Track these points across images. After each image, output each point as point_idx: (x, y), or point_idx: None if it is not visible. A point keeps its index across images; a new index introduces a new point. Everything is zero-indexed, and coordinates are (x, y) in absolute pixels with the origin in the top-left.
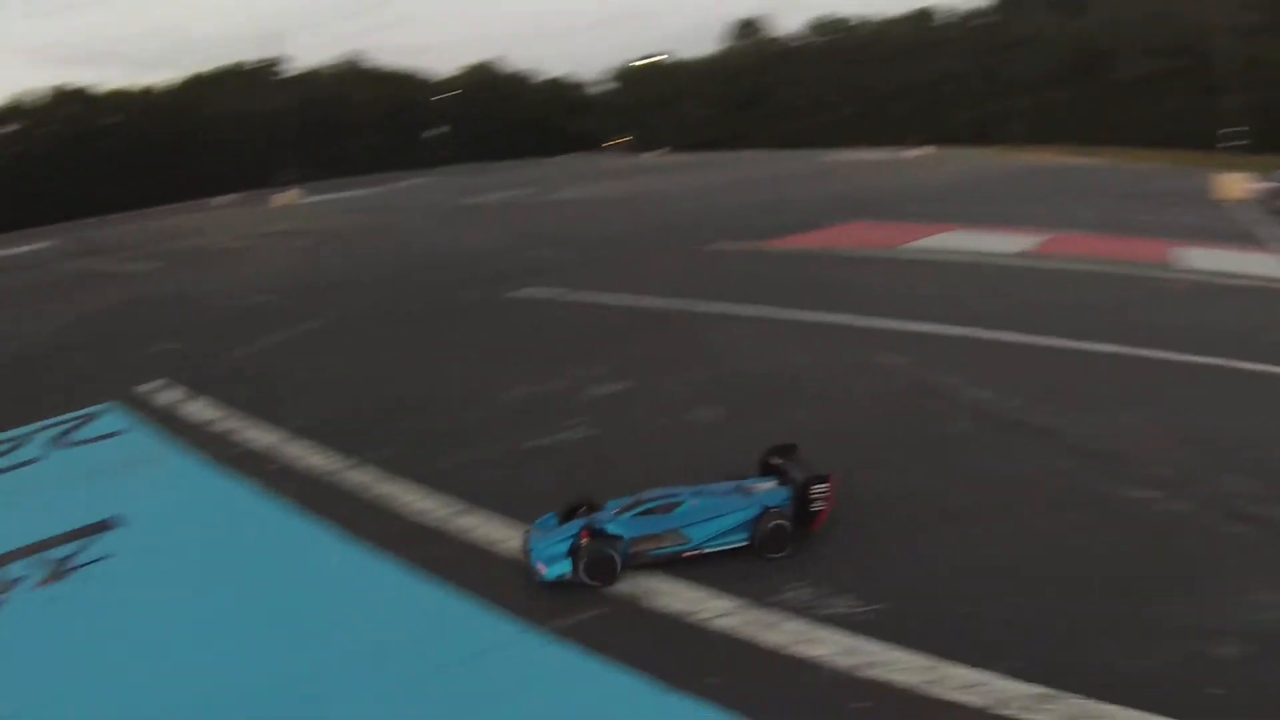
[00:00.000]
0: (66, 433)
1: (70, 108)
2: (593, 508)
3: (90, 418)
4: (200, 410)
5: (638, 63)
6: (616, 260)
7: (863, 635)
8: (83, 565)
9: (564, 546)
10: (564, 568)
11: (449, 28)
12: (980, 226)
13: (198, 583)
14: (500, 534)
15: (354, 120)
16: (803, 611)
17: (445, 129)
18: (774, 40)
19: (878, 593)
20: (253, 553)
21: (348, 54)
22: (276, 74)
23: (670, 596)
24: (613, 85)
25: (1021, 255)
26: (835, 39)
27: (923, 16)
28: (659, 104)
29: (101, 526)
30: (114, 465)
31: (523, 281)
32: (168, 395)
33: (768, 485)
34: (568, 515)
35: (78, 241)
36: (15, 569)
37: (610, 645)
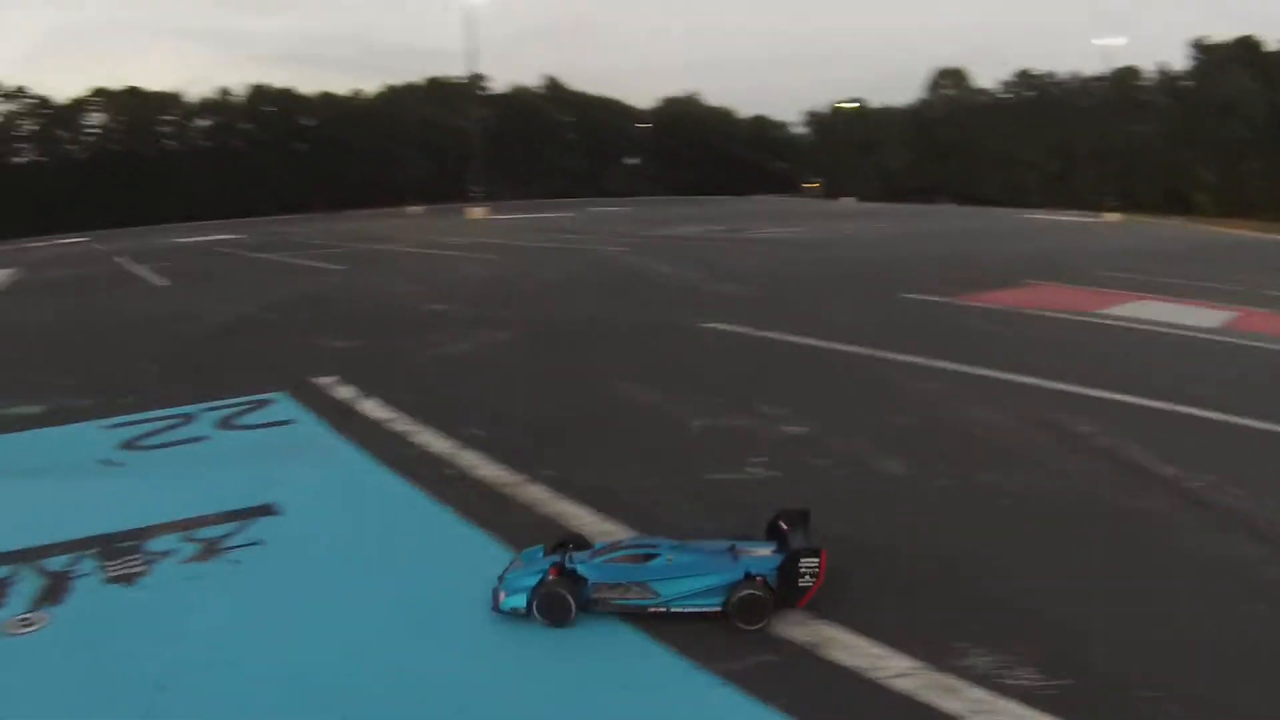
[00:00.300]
0: (235, 415)
1: (268, 106)
2: (580, 545)
3: (261, 404)
4: (373, 409)
5: (837, 105)
6: (806, 301)
7: (1047, 713)
8: (235, 548)
9: (531, 580)
10: (518, 601)
11: (643, 57)
12: (1171, 297)
13: (351, 578)
14: None
15: (550, 142)
16: (984, 680)
17: (637, 160)
18: (972, 92)
19: (1061, 667)
20: (415, 556)
21: (548, 76)
22: (477, 90)
23: (847, 650)
24: (805, 128)
25: (1215, 330)
26: (1035, 95)
27: (1127, 75)
28: (853, 150)
29: (260, 511)
30: (280, 453)
31: (711, 314)
32: (342, 391)
33: (764, 550)
34: (554, 549)
35: (267, 236)
36: (165, 542)
37: (779, 694)
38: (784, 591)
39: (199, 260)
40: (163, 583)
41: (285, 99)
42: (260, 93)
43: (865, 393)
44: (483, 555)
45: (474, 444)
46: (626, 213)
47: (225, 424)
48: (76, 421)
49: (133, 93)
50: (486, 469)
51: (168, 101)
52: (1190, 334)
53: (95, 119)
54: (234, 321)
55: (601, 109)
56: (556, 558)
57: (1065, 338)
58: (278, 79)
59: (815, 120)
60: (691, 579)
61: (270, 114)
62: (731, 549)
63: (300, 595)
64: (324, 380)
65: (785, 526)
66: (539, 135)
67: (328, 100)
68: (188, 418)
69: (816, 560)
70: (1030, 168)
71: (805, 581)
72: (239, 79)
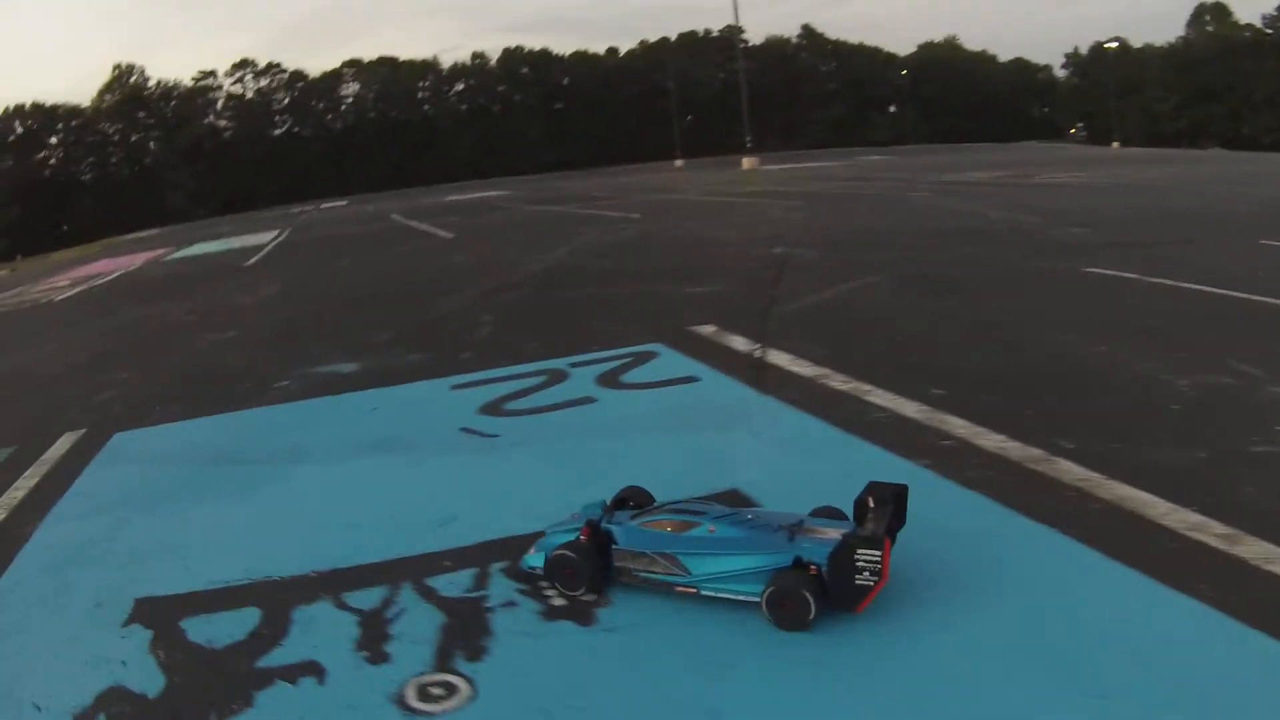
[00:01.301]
0: (617, 371)
1: (523, 68)
2: (640, 502)
3: (641, 357)
4: (789, 364)
5: (1098, 44)
6: (1169, 247)
7: None
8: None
9: (565, 538)
10: (537, 560)
11: (895, 4)
12: None
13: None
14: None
15: (809, 92)
16: None
17: (894, 109)
18: (1237, 28)
19: None
20: (960, 555)
21: (804, 25)
22: (736, 42)
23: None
24: (1065, 71)
25: None
26: None
27: None
28: (1115, 94)
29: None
30: (707, 419)
31: (1076, 258)
32: (733, 341)
33: (834, 532)
34: (613, 505)
35: (536, 191)
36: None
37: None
38: (838, 588)
39: (478, 215)
40: (644, 618)
41: (540, 60)
42: (514, 55)
43: None
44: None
45: (945, 405)
46: (897, 161)
47: (609, 381)
48: (412, 380)
49: (386, 62)
50: (988, 439)
51: (422, 69)
52: None
53: (349, 89)
54: (551, 270)
55: (859, 56)
56: (597, 514)
57: None
58: (530, 44)
59: (1075, 62)
60: (729, 558)
61: (525, 76)
62: (796, 526)
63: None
64: (704, 329)
65: (871, 504)
66: (798, 85)
67: (582, 59)
68: (557, 375)
69: (878, 554)
70: None
71: (864, 580)
72: (491, 46)
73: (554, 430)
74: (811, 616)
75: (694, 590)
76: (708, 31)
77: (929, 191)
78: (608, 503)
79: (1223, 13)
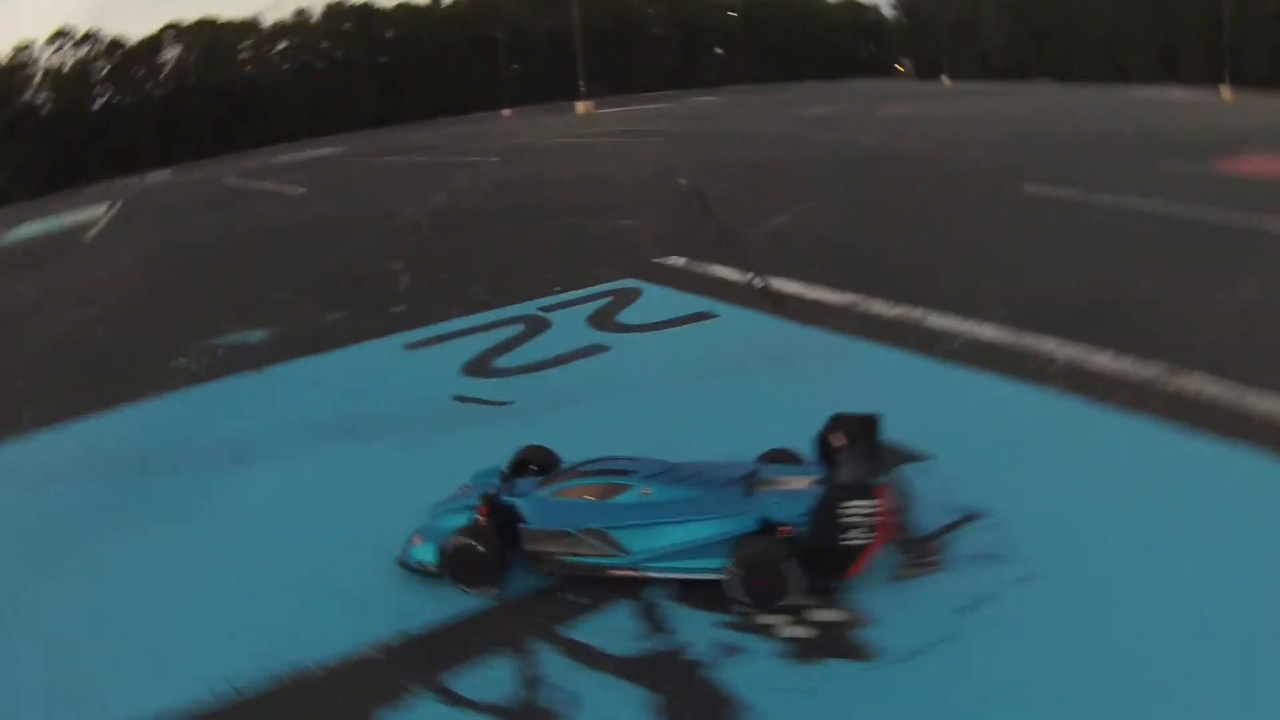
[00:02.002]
0: (606, 312)
1: (350, 23)
2: (545, 465)
3: (624, 295)
4: (804, 291)
5: None
6: (1075, 167)
7: None
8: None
9: (458, 520)
10: (426, 554)
11: None
12: None
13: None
14: None
15: (640, 37)
16: None
17: (723, 51)
18: None
19: None
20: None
21: None
22: None
23: None
24: (900, 10)
25: None
26: None
27: None
28: (945, 30)
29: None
30: (753, 358)
31: (1001, 180)
32: (721, 271)
33: (800, 482)
34: (511, 472)
35: (373, 145)
36: None
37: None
38: (821, 554)
39: (323, 170)
40: None
41: (363, 13)
42: (337, 10)
43: None
44: None
45: (1031, 326)
46: (734, 100)
47: (604, 324)
48: (347, 344)
49: (206, 24)
50: (1097, 359)
51: (243, 29)
52: None
53: (170, 54)
54: (441, 213)
55: (690, 1)
56: (493, 485)
57: None
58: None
59: (905, 1)
60: (674, 527)
61: (348, 30)
62: (750, 478)
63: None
64: (673, 261)
65: (837, 443)
66: (628, 30)
67: (407, 10)
68: (535, 322)
69: (871, 504)
70: (1133, 45)
71: (854, 539)
72: (314, 2)
73: (577, 388)
74: (793, 592)
75: (635, 573)
76: None
77: (788, 125)
78: (504, 469)
79: None
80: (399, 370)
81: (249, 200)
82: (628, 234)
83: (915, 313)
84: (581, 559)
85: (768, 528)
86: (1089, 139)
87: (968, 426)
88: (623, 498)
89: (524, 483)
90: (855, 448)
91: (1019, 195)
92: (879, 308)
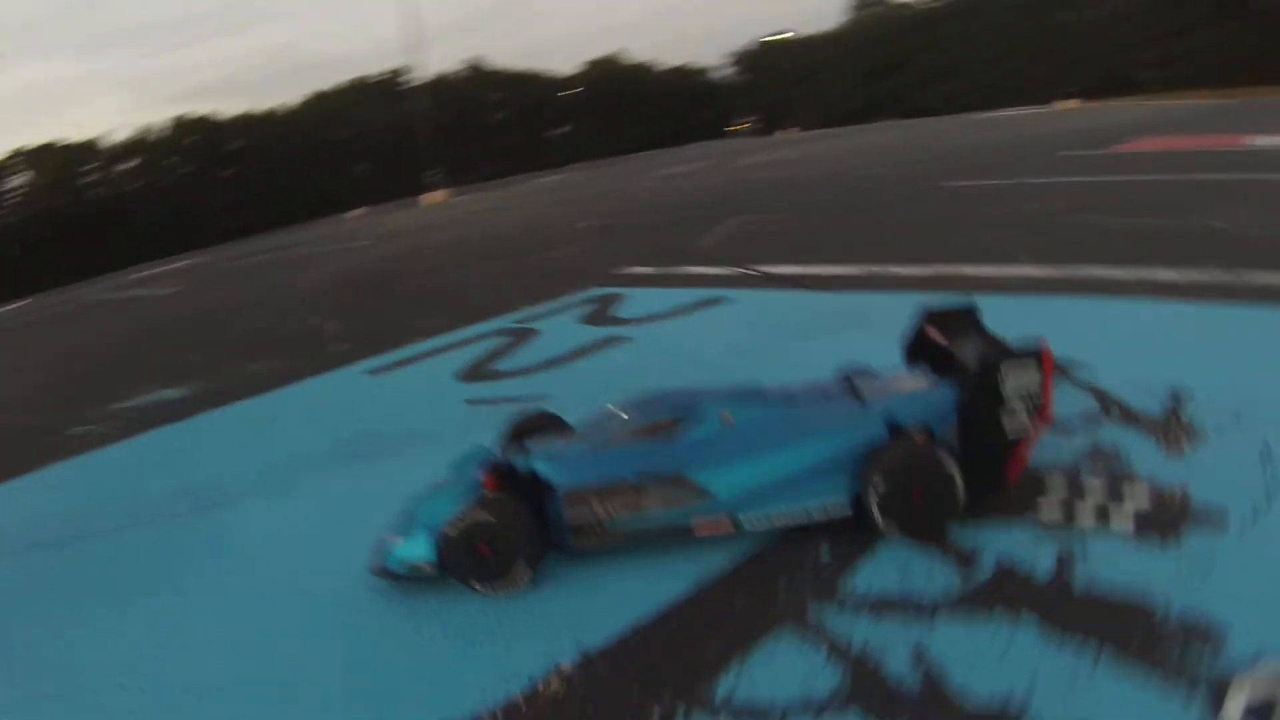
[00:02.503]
0: (597, 313)
1: (193, 137)
2: (561, 429)
3: (606, 300)
4: (789, 270)
5: (764, 40)
6: (973, 170)
7: None
8: None
9: (447, 508)
10: (415, 551)
11: (566, 27)
12: None
13: None
14: None
15: (482, 124)
16: None
17: (567, 128)
18: (896, 7)
19: None
20: None
21: (471, 59)
22: (401, 85)
23: None
24: (735, 68)
25: None
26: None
27: None
28: (786, 83)
29: None
30: (815, 323)
31: (922, 181)
32: (699, 270)
33: (911, 382)
34: (512, 443)
35: (236, 250)
36: None
37: None
38: (974, 455)
39: (192, 274)
40: None
41: (207, 127)
42: (182, 125)
43: None
44: None
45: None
46: (582, 178)
47: (603, 319)
48: (285, 385)
49: (48, 148)
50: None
51: (86, 151)
52: None
53: (19, 180)
54: (341, 281)
55: (528, 83)
56: (490, 458)
57: None
58: (198, 110)
59: (742, 59)
60: (776, 453)
61: (194, 144)
62: (851, 386)
63: None
64: (640, 269)
65: (941, 337)
66: (469, 119)
67: (251, 120)
68: (521, 333)
69: (1035, 371)
70: (970, 72)
71: (1015, 425)
72: (160, 118)
73: (621, 370)
74: (961, 506)
75: (729, 525)
76: (372, 78)
77: (656, 183)
78: (501, 443)
79: None
80: (372, 394)
81: (125, 305)
82: (568, 260)
83: (928, 269)
84: (649, 521)
85: (900, 435)
86: (980, 148)
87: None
88: (696, 432)
89: (542, 445)
90: (963, 341)
91: (939, 188)
92: (894, 269)
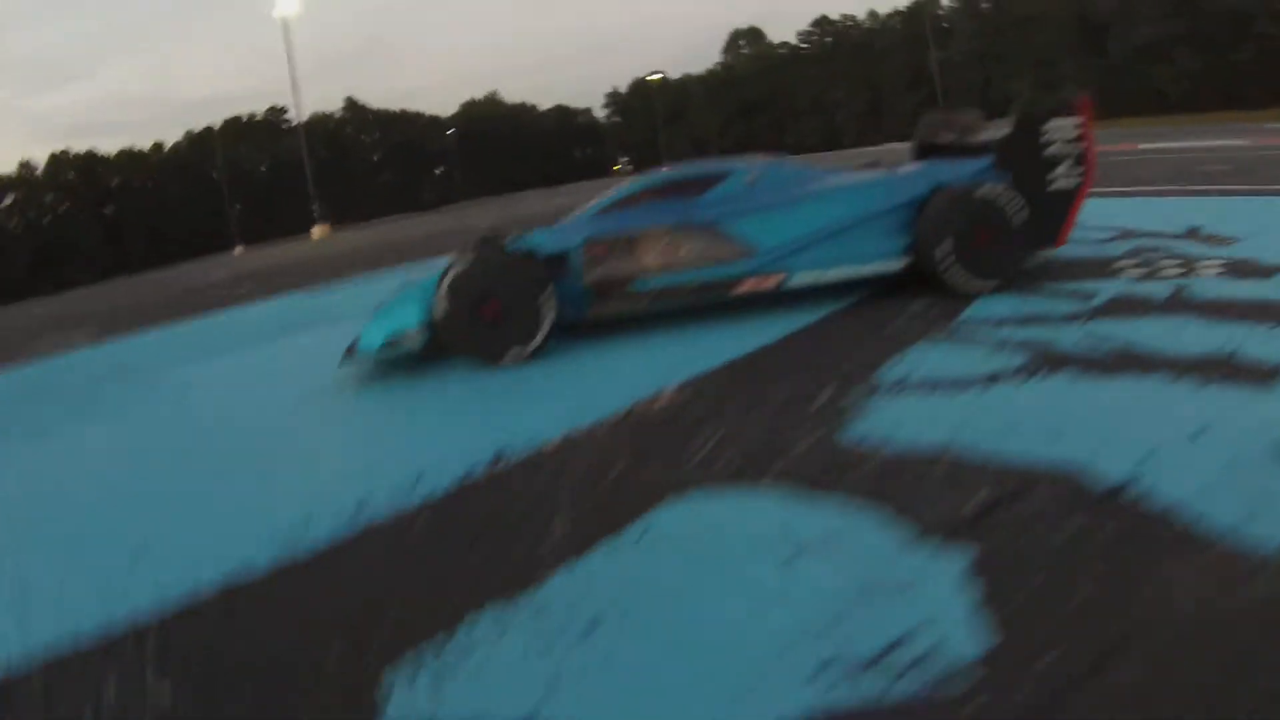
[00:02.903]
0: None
1: (73, 173)
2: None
3: None
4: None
5: (638, 80)
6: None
7: None
8: None
9: (414, 308)
10: (397, 322)
11: (439, 68)
12: None
13: None
14: None
15: (359, 163)
16: None
17: (442, 169)
18: (772, 48)
19: None
20: None
21: (346, 99)
22: (282, 123)
23: None
24: (612, 110)
25: None
26: (832, 41)
27: (928, 3)
28: (663, 123)
29: None
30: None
31: None
32: None
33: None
34: (479, 246)
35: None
36: None
37: None
38: (1029, 204)
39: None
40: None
41: (86, 163)
42: (60, 161)
43: None
44: None
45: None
46: (456, 216)
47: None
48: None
49: None
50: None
51: None
52: None
53: None
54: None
55: (403, 123)
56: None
57: None
58: (77, 148)
59: (616, 101)
60: (820, 204)
61: (73, 181)
62: (872, 166)
63: None
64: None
65: (946, 139)
66: (346, 158)
67: (130, 158)
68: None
69: (1076, 122)
70: (839, 110)
71: (1062, 177)
72: (39, 155)
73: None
74: (1016, 254)
75: (775, 280)
76: (252, 116)
77: (543, 209)
78: (461, 254)
79: (757, 36)
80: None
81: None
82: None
83: None
84: (683, 275)
85: (944, 191)
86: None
87: None
88: (725, 187)
89: (528, 233)
90: (979, 127)
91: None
92: None
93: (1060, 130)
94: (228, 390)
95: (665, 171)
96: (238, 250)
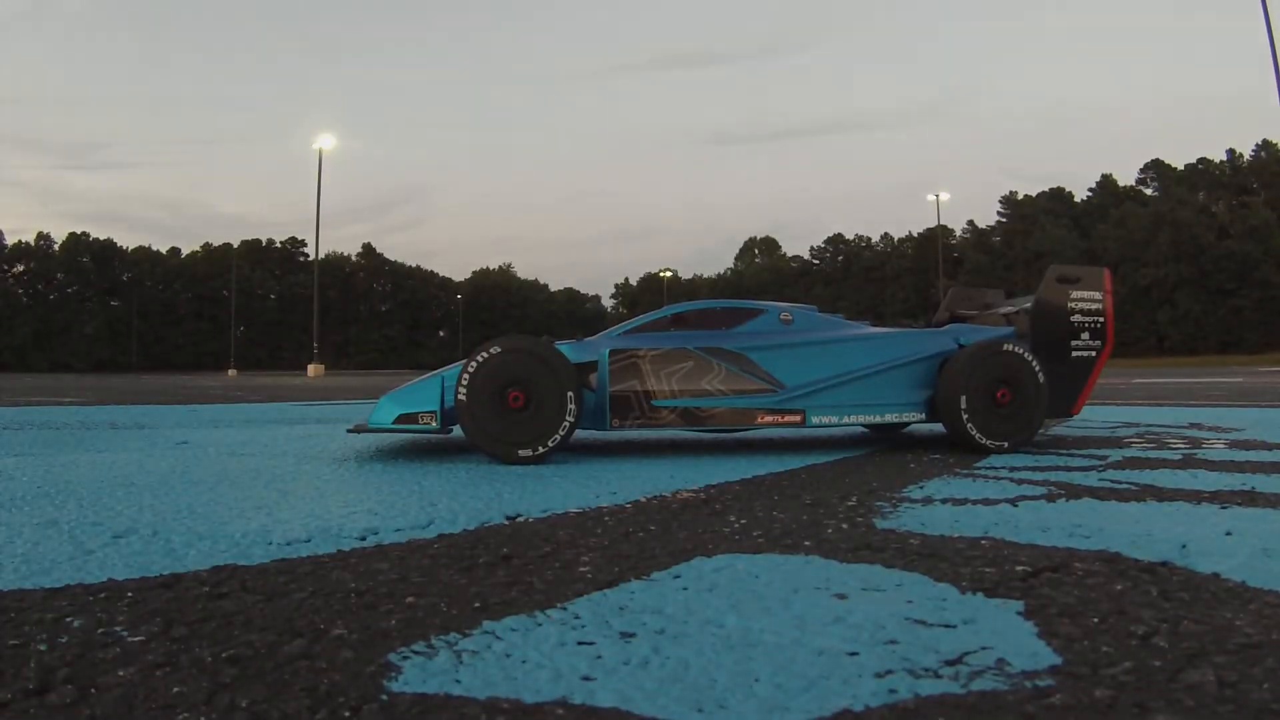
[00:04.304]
0: None
1: (89, 257)
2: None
3: None
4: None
5: (650, 274)
6: None
7: None
8: None
9: (431, 388)
10: (410, 403)
11: (456, 233)
12: None
13: None
14: None
15: (367, 310)
16: None
17: (445, 333)
18: (784, 259)
19: None
20: None
21: (365, 243)
22: (299, 255)
23: None
24: (620, 300)
25: None
26: (846, 259)
27: (939, 233)
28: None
29: None
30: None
31: None
32: None
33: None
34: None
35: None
36: None
37: None
38: (1048, 372)
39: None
40: None
41: (103, 250)
42: (79, 242)
43: None
44: None
45: None
46: None
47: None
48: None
49: None
50: None
51: None
52: None
53: None
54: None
55: (415, 279)
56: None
57: None
58: (96, 234)
59: (625, 292)
60: (848, 347)
61: (86, 265)
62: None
63: None
64: None
65: (970, 310)
66: (355, 302)
67: (146, 256)
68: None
69: (1098, 297)
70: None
71: (1083, 345)
72: (58, 230)
73: None
74: (1040, 413)
75: (797, 417)
76: (270, 242)
77: None
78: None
79: (772, 245)
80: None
81: None
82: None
83: None
84: (707, 400)
85: (961, 350)
86: None
87: None
88: (757, 322)
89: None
90: (1001, 301)
91: None
92: None
93: (1083, 301)
94: (227, 448)
95: (699, 302)
96: (231, 373)
